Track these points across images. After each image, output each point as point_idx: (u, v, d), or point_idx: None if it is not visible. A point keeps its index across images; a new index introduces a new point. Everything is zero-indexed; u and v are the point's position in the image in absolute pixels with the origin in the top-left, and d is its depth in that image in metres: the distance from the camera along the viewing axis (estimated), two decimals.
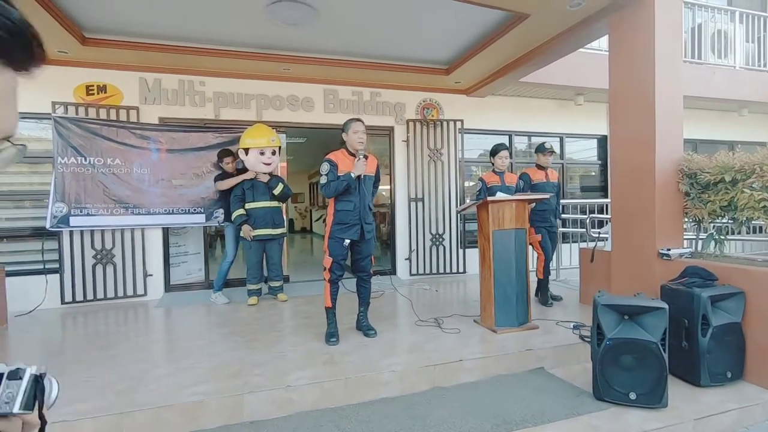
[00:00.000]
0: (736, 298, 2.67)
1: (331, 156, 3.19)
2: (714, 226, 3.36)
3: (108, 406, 2.24)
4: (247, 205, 4.38)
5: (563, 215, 5.22)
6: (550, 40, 4.32)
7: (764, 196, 2.72)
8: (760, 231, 5.98)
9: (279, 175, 4.70)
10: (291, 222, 15.90)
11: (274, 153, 4.48)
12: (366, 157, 3.15)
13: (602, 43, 5.56)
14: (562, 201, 4.90)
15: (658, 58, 3.29)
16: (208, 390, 2.42)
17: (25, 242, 4.68)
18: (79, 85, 4.67)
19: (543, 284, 4.25)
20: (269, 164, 4.45)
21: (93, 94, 4.72)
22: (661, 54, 3.29)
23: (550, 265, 4.31)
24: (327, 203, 3.29)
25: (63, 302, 4.53)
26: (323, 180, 3.14)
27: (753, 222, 3.04)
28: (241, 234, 4.41)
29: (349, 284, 3.74)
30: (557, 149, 6.94)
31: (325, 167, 3.14)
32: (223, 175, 4.59)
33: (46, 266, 4.53)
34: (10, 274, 4.14)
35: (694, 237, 3.66)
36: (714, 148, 7.75)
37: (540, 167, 4.30)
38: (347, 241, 3.15)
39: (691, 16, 6.73)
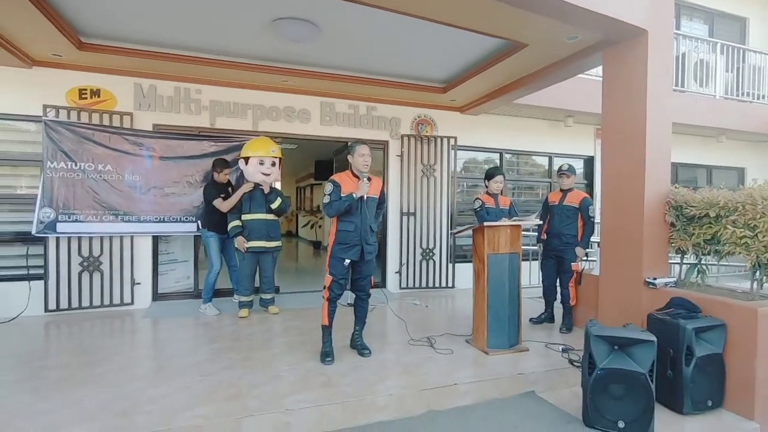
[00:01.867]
0: (718, 329, 2.81)
1: (335, 177, 3.24)
2: (697, 257, 3.51)
3: (105, 429, 2.22)
4: (243, 216, 4.37)
5: None
6: (545, 68, 4.46)
7: (746, 233, 2.87)
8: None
9: (279, 188, 4.70)
10: (280, 231, 15.76)
11: (273, 164, 4.48)
12: (370, 179, 3.20)
13: (593, 69, 5.76)
14: None
15: (649, 94, 3.44)
16: (206, 413, 2.41)
17: (9, 247, 4.54)
18: (71, 89, 4.58)
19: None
20: (268, 174, 4.45)
21: (86, 98, 4.63)
22: (652, 90, 3.44)
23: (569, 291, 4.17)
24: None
25: (47, 310, 4.41)
26: (326, 200, 3.18)
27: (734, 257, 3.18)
28: (235, 245, 4.39)
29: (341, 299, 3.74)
30: (545, 167, 7.13)
31: (328, 187, 3.18)
32: (214, 185, 4.55)
33: (30, 272, 4.41)
34: None
35: (678, 262, 3.82)
36: (693, 171, 8.14)
37: (561, 189, 4.28)
38: (347, 261, 3.18)
39: (676, 46, 7.01)
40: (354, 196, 3.14)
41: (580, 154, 7.16)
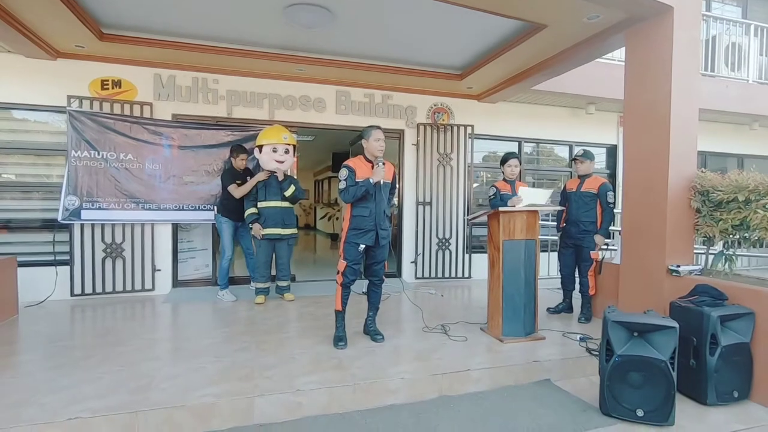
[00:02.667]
0: (746, 318, 2.68)
1: (349, 162, 3.22)
2: (725, 244, 3.36)
3: (121, 405, 2.27)
4: (259, 204, 4.41)
5: None
6: (565, 51, 4.32)
7: None
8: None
9: (293, 176, 4.72)
10: (295, 219, 15.93)
11: (287, 152, 4.50)
12: (384, 164, 3.18)
13: (616, 53, 5.56)
14: None
15: (674, 75, 3.29)
16: (218, 392, 2.45)
17: (37, 233, 4.71)
18: (94, 80, 4.70)
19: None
20: (282, 162, 4.47)
21: (108, 88, 4.75)
22: (678, 70, 3.29)
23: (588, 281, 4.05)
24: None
25: (72, 294, 4.57)
26: (342, 185, 3.16)
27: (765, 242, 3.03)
28: (252, 232, 4.44)
29: (354, 286, 3.72)
30: (566, 156, 6.95)
31: (343, 173, 3.16)
32: (231, 172, 4.60)
33: (57, 258, 4.57)
34: (20, 264, 4.16)
35: (704, 252, 3.67)
36: (723, 161, 7.81)
37: (579, 176, 4.15)
38: (362, 246, 3.17)
39: (706, 29, 6.70)
40: (371, 181, 3.12)
41: (602, 142, 6.95)
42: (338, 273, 3.25)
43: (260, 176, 4.41)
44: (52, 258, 4.57)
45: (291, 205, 4.55)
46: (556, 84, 5.50)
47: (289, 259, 4.67)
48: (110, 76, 4.76)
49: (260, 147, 4.46)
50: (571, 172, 6.75)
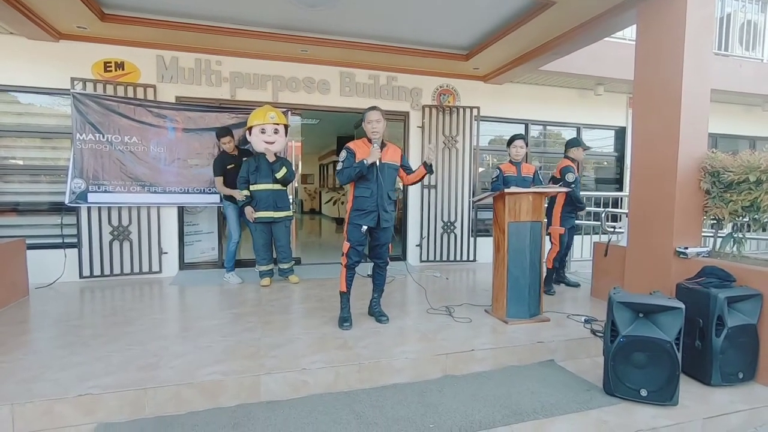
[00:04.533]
0: (754, 300, 2.66)
1: (350, 144, 3.21)
2: (734, 226, 3.32)
3: (130, 382, 2.32)
4: (251, 187, 4.39)
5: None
6: (574, 29, 4.22)
7: None
8: None
9: (285, 157, 4.68)
10: (300, 203, 15.98)
11: (276, 132, 4.44)
12: (384, 145, 3.15)
13: (626, 32, 5.42)
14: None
15: (687, 53, 3.20)
16: (225, 370, 2.49)
17: (45, 216, 4.76)
18: (97, 62, 4.67)
19: (549, 274, 4.32)
20: (272, 143, 4.42)
21: (111, 70, 4.72)
22: (690, 49, 3.20)
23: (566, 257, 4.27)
24: (337, 186, 3.32)
25: (81, 276, 4.63)
26: (339, 166, 3.16)
27: None
28: (247, 216, 4.43)
29: (359, 269, 3.73)
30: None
31: (342, 154, 3.16)
32: (221, 158, 4.60)
33: (65, 240, 4.62)
34: (30, 247, 4.22)
35: (712, 235, 3.63)
36: (735, 143, 7.67)
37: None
38: (365, 228, 3.17)
39: (720, 6, 6.51)
40: (365, 162, 3.10)
41: (610, 124, 6.84)
42: (342, 254, 3.25)
43: (237, 196, 4.43)
44: (60, 241, 4.62)
45: (283, 188, 4.51)
46: (565, 64, 5.38)
47: (288, 241, 4.66)
48: (113, 58, 4.72)
49: (250, 130, 4.43)
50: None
